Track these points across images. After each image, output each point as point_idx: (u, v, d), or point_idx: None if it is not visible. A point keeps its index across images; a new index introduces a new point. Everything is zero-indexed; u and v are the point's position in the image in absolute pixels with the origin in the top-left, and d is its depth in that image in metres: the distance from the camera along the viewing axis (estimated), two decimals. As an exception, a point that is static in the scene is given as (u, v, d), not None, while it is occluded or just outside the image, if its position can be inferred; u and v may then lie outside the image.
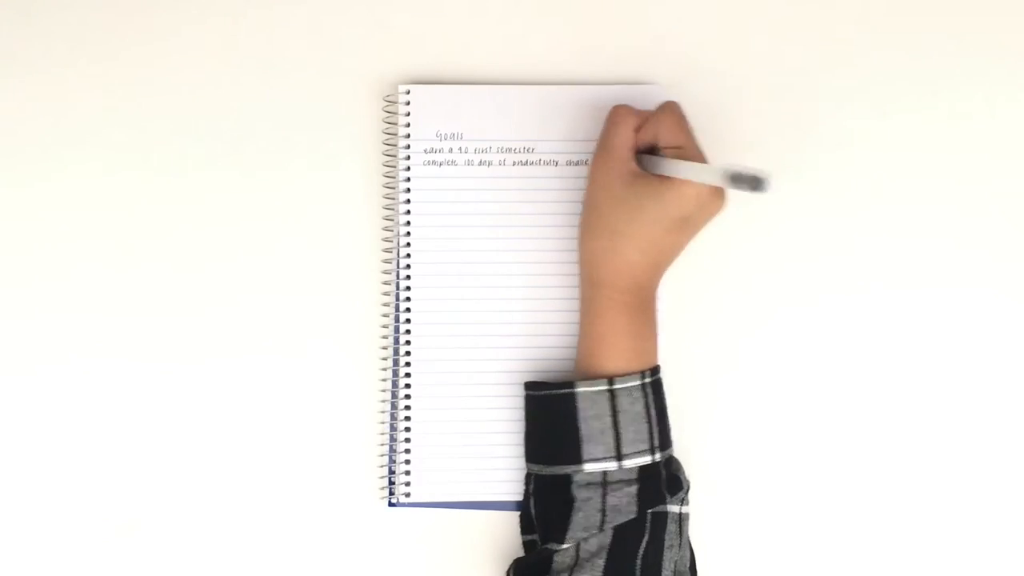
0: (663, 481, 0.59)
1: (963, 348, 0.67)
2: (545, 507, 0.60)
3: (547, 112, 0.66)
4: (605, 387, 0.59)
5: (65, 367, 0.66)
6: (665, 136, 0.59)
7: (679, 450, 0.64)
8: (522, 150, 0.66)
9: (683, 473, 0.62)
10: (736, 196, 0.65)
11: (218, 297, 0.67)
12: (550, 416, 0.60)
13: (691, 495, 0.62)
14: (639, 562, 0.58)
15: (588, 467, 0.58)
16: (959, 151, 0.67)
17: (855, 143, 0.67)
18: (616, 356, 0.59)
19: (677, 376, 0.66)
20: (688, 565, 0.61)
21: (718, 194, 0.57)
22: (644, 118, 0.60)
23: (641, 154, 0.60)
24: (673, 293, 0.66)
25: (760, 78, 0.67)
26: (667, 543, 0.59)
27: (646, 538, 0.58)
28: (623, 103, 0.61)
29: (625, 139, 0.60)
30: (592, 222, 0.60)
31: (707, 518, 0.66)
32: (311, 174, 0.67)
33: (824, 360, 0.67)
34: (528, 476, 0.62)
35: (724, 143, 0.67)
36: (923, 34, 0.67)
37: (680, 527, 0.60)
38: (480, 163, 0.66)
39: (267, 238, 0.67)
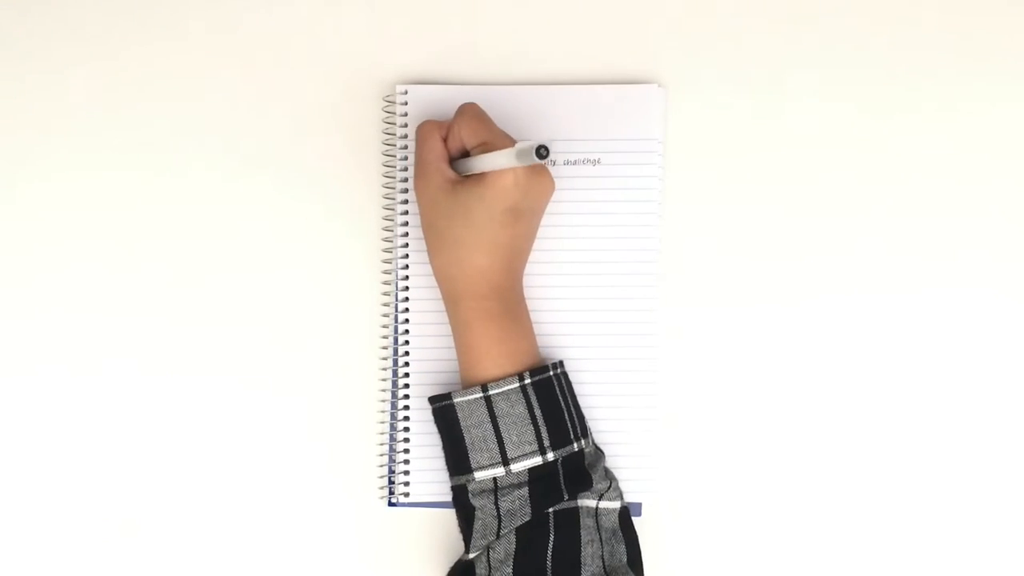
0: (560, 479, 0.59)
1: (960, 348, 0.67)
2: (458, 517, 0.61)
3: (546, 112, 0.66)
4: (479, 394, 0.59)
5: (65, 368, 0.67)
6: (468, 137, 0.59)
7: (677, 450, 0.64)
8: (521, 150, 0.66)
9: (599, 469, 0.61)
10: (724, 195, 0.66)
11: (218, 297, 0.67)
12: (443, 428, 0.61)
13: (687, 494, 0.61)
14: (549, 563, 0.58)
15: (478, 475, 0.59)
16: (959, 151, 0.67)
17: (856, 142, 0.67)
18: (490, 364, 0.59)
19: (675, 377, 0.67)
20: (624, 559, 0.60)
21: (536, 174, 0.58)
22: (448, 127, 0.61)
23: (455, 160, 0.61)
24: (672, 292, 0.66)
25: (760, 78, 0.67)
26: (585, 539, 0.59)
27: (552, 537, 0.58)
28: (431, 119, 0.62)
29: (435, 152, 0.60)
30: (433, 241, 0.60)
31: (705, 517, 0.66)
32: (311, 174, 0.67)
33: (822, 361, 0.67)
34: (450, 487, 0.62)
35: (724, 142, 0.67)
36: (924, 34, 0.67)
37: (598, 522, 0.60)
38: (479, 163, 0.66)
39: (267, 238, 0.67)
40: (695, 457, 0.67)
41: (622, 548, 0.61)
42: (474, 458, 0.59)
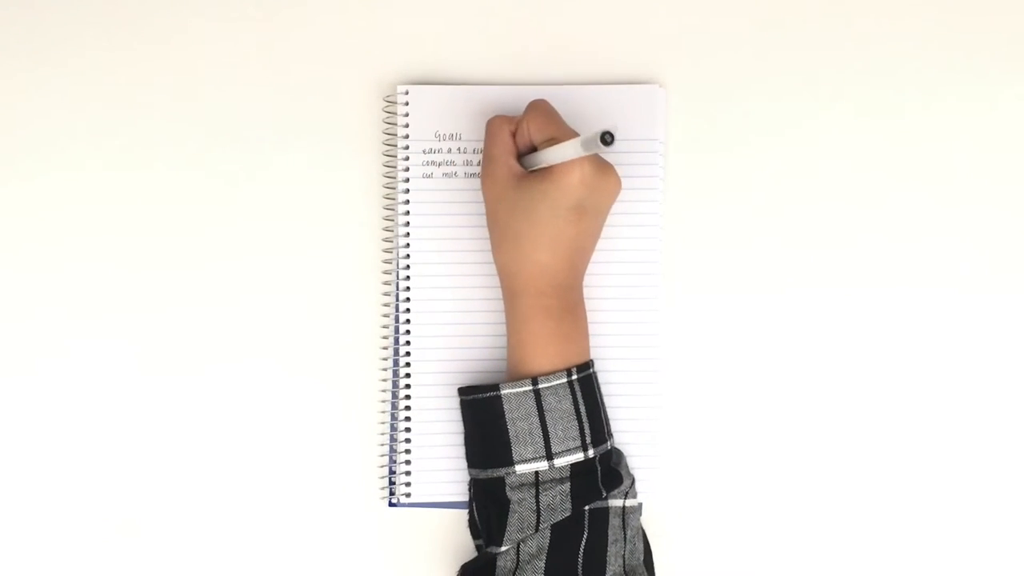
0: (598, 477, 0.59)
1: (965, 343, 0.67)
2: (484, 511, 0.60)
3: (547, 112, 0.66)
4: (529, 387, 0.59)
5: (65, 367, 0.67)
6: (536, 133, 0.59)
7: (678, 451, 0.63)
8: (521, 150, 0.66)
9: (625, 467, 0.62)
10: (724, 195, 0.66)
11: (218, 297, 0.67)
12: (481, 420, 0.60)
13: (688, 495, 0.62)
14: (580, 560, 0.58)
15: (519, 468, 0.58)
16: (957, 150, 0.67)
17: (855, 141, 0.67)
18: (543, 359, 0.59)
19: (678, 377, 0.67)
20: (641, 558, 0.61)
21: (602, 173, 0.58)
22: (518, 123, 0.61)
23: (523, 156, 0.61)
24: (674, 293, 0.66)
25: (761, 77, 0.67)
26: (611, 538, 0.59)
27: (586, 535, 0.58)
28: (501, 114, 0.62)
29: (504, 146, 0.60)
30: (496, 235, 0.60)
31: (706, 518, 0.66)
32: (311, 174, 0.67)
33: (823, 361, 0.67)
34: (470, 481, 0.62)
35: (724, 142, 0.67)
36: (922, 34, 0.67)
37: (624, 521, 0.60)
38: (478, 163, 0.66)
39: (267, 238, 0.67)
40: (696, 458, 0.67)
41: (641, 546, 0.61)
42: (517, 451, 0.58)
